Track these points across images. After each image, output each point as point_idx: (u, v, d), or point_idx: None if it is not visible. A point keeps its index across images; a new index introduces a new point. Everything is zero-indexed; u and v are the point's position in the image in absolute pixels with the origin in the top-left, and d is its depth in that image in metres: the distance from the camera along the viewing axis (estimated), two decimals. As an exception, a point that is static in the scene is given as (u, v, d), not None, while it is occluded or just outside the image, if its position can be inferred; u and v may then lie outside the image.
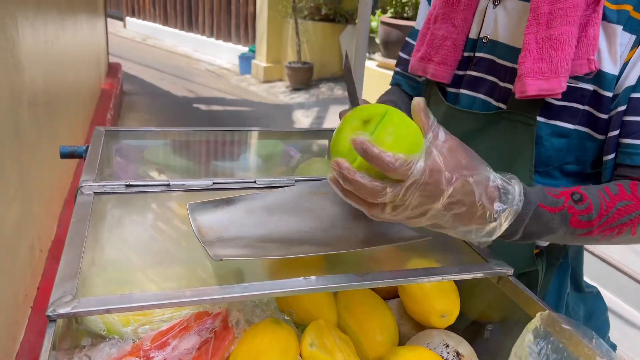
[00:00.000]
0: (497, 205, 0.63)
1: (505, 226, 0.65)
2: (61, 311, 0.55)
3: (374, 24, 5.48)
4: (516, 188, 0.65)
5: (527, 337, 0.57)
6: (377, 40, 5.38)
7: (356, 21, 2.03)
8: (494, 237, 0.66)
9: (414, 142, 0.61)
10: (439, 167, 0.59)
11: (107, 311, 0.57)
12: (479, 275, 0.73)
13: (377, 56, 5.51)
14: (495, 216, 0.63)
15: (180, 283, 0.76)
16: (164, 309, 0.71)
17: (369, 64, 5.23)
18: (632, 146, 0.76)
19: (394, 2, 5.35)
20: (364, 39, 2.03)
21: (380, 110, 0.63)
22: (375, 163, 0.58)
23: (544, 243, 0.90)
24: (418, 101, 0.62)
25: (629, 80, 0.76)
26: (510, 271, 0.74)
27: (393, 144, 0.60)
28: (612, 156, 0.79)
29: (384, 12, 5.62)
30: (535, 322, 0.60)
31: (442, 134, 0.62)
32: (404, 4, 5.32)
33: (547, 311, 0.61)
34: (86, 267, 0.67)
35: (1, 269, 1.55)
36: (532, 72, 0.78)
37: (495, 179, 0.64)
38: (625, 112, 0.76)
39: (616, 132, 0.78)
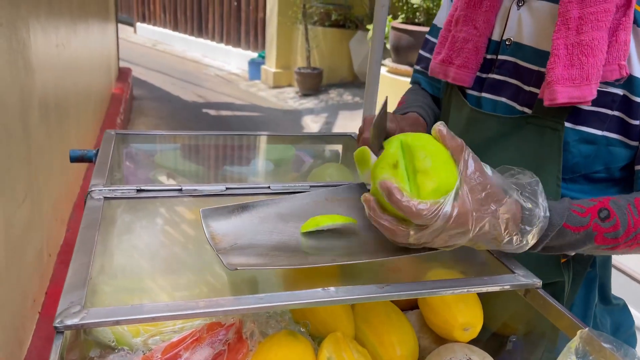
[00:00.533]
0: (523, 230, 0.66)
1: (531, 244, 0.68)
2: (69, 322, 0.52)
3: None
4: (541, 206, 0.66)
5: (569, 358, 0.53)
6: (388, 46, 5.36)
7: (367, 27, 2.00)
8: (522, 251, 0.69)
9: (447, 174, 0.63)
10: (467, 209, 0.61)
11: (117, 322, 0.55)
12: (506, 287, 0.69)
13: (388, 62, 5.48)
14: (522, 240, 0.66)
15: (193, 292, 0.73)
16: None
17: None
18: None
19: (405, 8, 5.33)
20: (379, 44, 1.99)
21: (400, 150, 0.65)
22: (399, 210, 0.61)
23: (570, 253, 0.87)
24: (439, 128, 0.64)
25: None
26: (539, 283, 0.71)
27: (430, 184, 0.62)
28: None
29: (395, 17, 5.60)
30: (576, 341, 0.56)
31: (471, 161, 0.63)
32: (415, 9, 5.29)
33: (586, 329, 0.58)
34: (95, 275, 0.64)
35: (9, 273, 1.54)
36: (562, 79, 0.75)
37: (520, 200, 0.66)
38: None
39: None
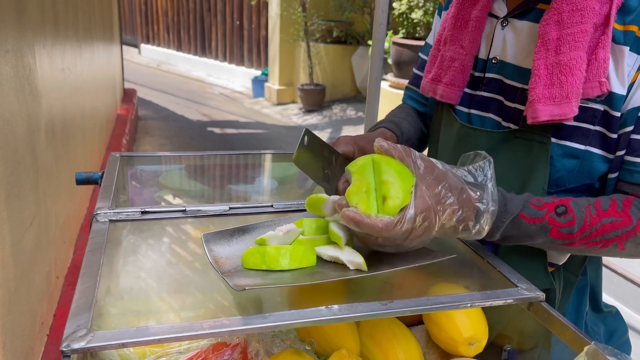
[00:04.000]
0: (477, 216, 0.70)
1: (487, 229, 0.71)
2: (75, 346, 0.53)
3: (385, 44, 5.51)
4: (489, 191, 0.71)
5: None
6: (390, 61, 5.40)
7: (368, 42, 2.03)
8: (480, 237, 0.72)
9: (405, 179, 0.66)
10: (428, 205, 0.65)
11: (123, 345, 0.55)
12: (509, 301, 0.69)
13: (390, 76, 5.52)
14: (476, 225, 0.70)
15: (198, 312, 0.74)
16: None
17: (381, 84, 5.23)
18: (634, 164, 0.77)
19: (405, 23, 5.39)
20: (379, 59, 2.02)
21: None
22: (374, 232, 0.64)
23: (559, 261, 0.88)
24: (380, 144, 0.69)
25: (635, 101, 0.76)
26: (542, 296, 0.71)
27: (396, 200, 0.65)
28: (616, 174, 0.80)
29: (396, 32, 5.65)
30: (582, 357, 0.57)
31: (420, 162, 0.67)
32: (415, 24, 5.34)
33: (592, 344, 0.58)
34: (101, 297, 0.65)
35: (18, 296, 1.55)
36: (544, 97, 0.78)
37: (470, 191, 0.70)
38: (633, 132, 0.77)
39: (623, 152, 0.78)
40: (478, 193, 0.70)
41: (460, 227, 0.69)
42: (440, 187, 0.67)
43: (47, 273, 1.93)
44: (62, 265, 2.24)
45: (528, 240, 0.77)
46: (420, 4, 5.25)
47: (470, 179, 0.72)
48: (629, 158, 0.77)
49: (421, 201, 0.65)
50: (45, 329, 1.87)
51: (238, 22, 8.33)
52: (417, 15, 5.24)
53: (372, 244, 0.69)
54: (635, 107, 0.75)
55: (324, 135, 5.89)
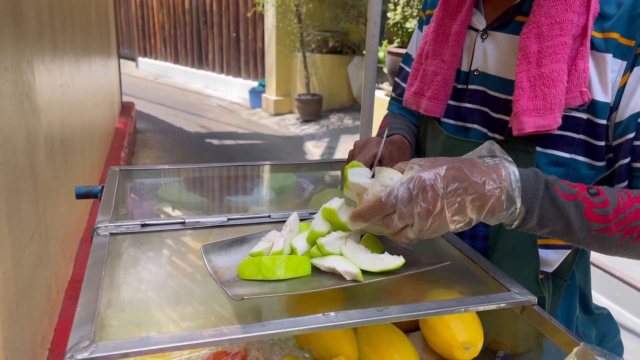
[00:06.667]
0: (505, 181, 0.68)
1: (519, 202, 0.68)
2: (79, 357, 0.55)
3: (381, 54, 5.55)
4: (504, 160, 0.70)
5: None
6: (385, 70, 5.44)
7: (364, 52, 2.07)
8: (516, 218, 0.70)
9: None
10: (418, 173, 0.66)
11: (125, 355, 0.57)
12: (502, 305, 0.71)
13: (386, 85, 5.56)
14: (500, 185, 0.67)
15: (198, 322, 0.75)
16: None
17: (378, 93, 5.27)
18: None
19: (400, 32, 5.43)
20: (372, 70, 2.05)
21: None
22: (375, 212, 0.68)
23: (549, 268, 0.89)
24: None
25: (633, 107, 0.75)
26: (535, 300, 0.72)
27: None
28: (624, 184, 0.79)
29: (391, 42, 5.70)
30: (571, 357, 0.58)
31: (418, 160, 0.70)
32: (409, 33, 5.39)
33: (581, 345, 0.59)
34: (103, 310, 0.66)
35: (19, 311, 1.55)
36: (528, 109, 0.79)
37: (480, 153, 0.71)
38: (635, 138, 0.76)
39: (627, 160, 0.77)
40: (495, 160, 0.70)
41: (489, 203, 0.67)
42: (436, 162, 0.68)
43: (47, 287, 1.94)
44: (63, 279, 2.25)
45: (565, 222, 0.71)
46: (415, 14, 5.30)
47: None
48: (636, 165, 0.77)
49: (410, 172, 0.67)
50: (46, 344, 1.87)
51: (234, 34, 8.39)
52: (411, 24, 5.28)
53: (392, 229, 0.69)
54: (635, 114, 0.75)
55: (322, 145, 5.91)
